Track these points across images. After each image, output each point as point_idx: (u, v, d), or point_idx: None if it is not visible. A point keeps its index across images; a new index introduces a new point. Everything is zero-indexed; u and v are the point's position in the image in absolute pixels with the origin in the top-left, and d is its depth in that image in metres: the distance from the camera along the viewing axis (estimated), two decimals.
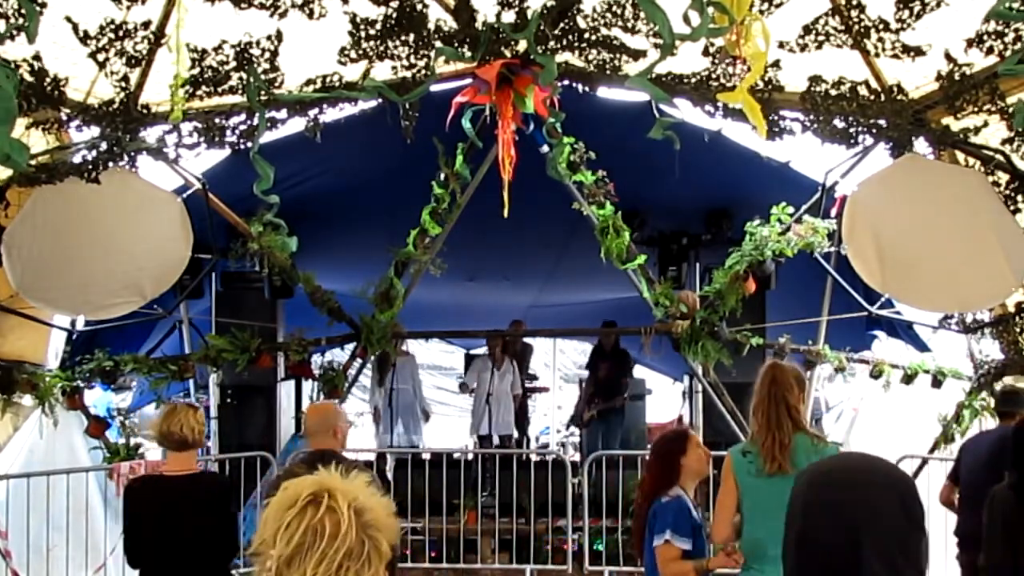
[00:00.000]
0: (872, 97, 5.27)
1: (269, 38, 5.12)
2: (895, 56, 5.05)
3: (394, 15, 5.14)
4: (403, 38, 5.21)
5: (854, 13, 4.98)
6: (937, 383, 6.72)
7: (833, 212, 6.07)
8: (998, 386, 6.44)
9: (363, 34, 5.18)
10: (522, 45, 5.18)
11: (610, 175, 6.27)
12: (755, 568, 3.45)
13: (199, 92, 5.18)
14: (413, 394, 9.36)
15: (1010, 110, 4.92)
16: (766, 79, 5.19)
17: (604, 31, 5.24)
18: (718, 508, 3.63)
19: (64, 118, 5.20)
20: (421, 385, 9.81)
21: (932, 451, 6.52)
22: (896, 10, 4.88)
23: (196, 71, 5.07)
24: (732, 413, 6.65)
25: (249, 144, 5.24)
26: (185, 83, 4.96)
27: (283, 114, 5.37)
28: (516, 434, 9.37)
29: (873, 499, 1.57)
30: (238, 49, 5.13)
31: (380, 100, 5.32)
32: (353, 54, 5.24)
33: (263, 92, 5.10)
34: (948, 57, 5.02)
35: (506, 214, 5.22)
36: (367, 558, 1.52)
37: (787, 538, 1.67)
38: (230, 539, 3.80)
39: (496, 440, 8.82)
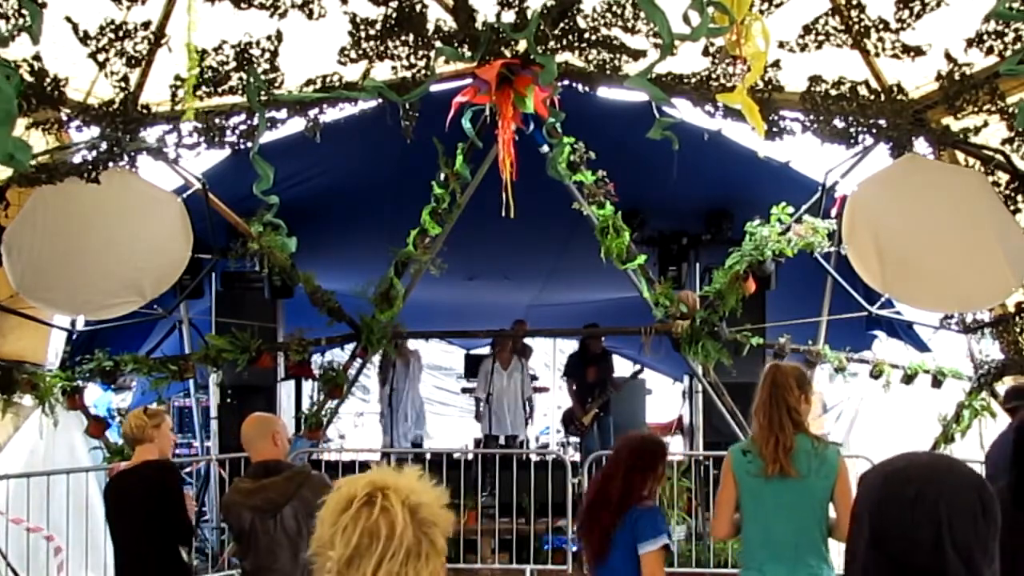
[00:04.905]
0: (872, 97, 5.26)
1: (269, 38, 5.11)
2: (895, 56, 5.05)
3: (394, 15, 5.13)
4: (403, 38, 5.21)
5: (854, 13, 4.97)
6: (937, 383, 6.72)
7: (833, 212, 6.06)
8: (999, 387, 6.43)
9: (363, 34, 5.17)
10: (522, 45, 5.18)
11: (610, 175, 6.26)
12: (754, 568, 3.45)
13: (199, 92, 5.18)
14: (416, 390, 9.37)
15: (1010, 110, 4.92)
16: (766, 79, 5.18)
17: (604, 31, 5.23)
18: (718, 506, 3.63)
19: (64, 118, 5.19)
20: (419, 379, 9.76)
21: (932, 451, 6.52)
22: (896, 10, 4.88)
23: (196, 71, 5.07)
24: (732, 413, 6.65)
25: (249, 144, 5.23)
26: (195, 83, 4.97)
27: (283, 114, 5.36)
28: (521, 435, 9.37)
29: (955, 495, 1.56)
30: (238, 49, 5.12)
31: (380, 100, 5.31)
32: (353, 54, 5.24)
33: (263, 92, 5.10)
34: (948, 57, 5.01)
35: (512, 214, 5.22)
36: (426, 555, 1.52)
37: (856, 535, 1.64)
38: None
39: (502, 440, 8.80)
